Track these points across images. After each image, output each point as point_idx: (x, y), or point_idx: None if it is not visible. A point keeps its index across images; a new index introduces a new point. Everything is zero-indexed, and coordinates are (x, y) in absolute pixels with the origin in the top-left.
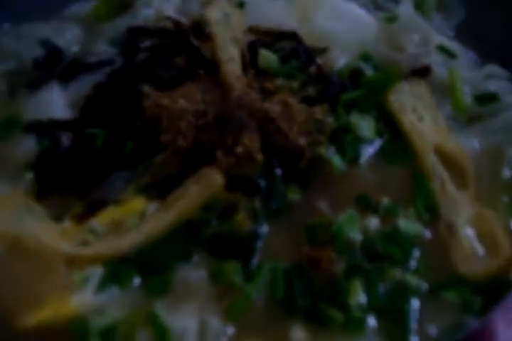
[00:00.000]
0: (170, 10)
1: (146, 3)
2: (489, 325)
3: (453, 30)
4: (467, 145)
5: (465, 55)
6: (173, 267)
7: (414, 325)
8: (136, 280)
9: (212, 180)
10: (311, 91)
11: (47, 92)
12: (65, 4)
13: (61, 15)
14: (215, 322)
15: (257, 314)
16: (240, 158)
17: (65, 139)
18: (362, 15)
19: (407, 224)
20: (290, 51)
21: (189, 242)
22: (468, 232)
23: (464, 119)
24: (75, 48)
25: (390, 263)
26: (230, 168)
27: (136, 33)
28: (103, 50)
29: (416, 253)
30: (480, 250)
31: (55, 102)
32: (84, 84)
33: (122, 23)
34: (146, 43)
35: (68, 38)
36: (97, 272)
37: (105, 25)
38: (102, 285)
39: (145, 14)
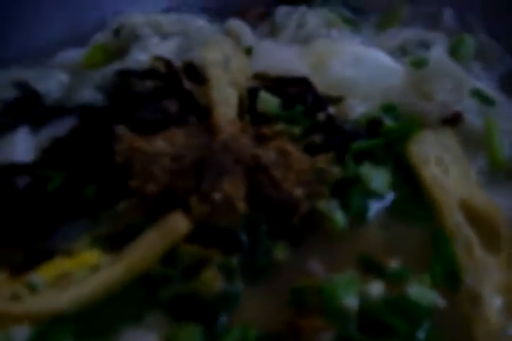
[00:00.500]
0: (167, 53)
1: (141, 48)
2: None
3: (496, 82)
4: (503, 202)
5: (506, 104)
6: (118, 329)
7: None
8: None
9: (176, 226)
10: (315, 138)
11: (12, 137)
12: (54, 51)
13: (49, 62)
14: None
15: None
16: (217, 205)
17: (21, 183)
18: (386, 62)
19: (419, 291)
20: (297, 95)
21: (143, 301)
22: (495, 303)
23: (501, 174)
24: (57, 94)
25: (392, 336)
26: (205, 216)
27: (125, 75)
28: (88, 95)
29: (425, 325)
30: (510, 326)
31: (20, 145)
32: (58, 128)
33: (112, 70)
34: (138, 88)
35: (51, 83)
36: (21, 333)
37: (94, 72)
38: None
39: (139, 59)
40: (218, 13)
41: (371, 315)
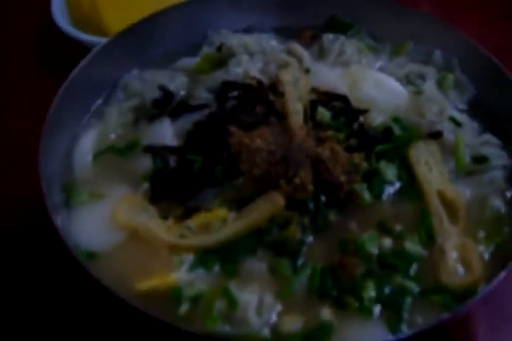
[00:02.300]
0: (254, 69)
1: (237, 63)
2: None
3: (465, 104)
4: (462, 193)
5: (470, 125)
6: (242, 259)
7: (406, 316)
8: (217, 266)
9: (277, 200)
10: (352, 142)
11: (160, 124)
12: (177, 58)
13: (173, 66)
14: (269, 300)
15: (298, 298)
16: (296, 186)
17: (172, 161)
18: (397, 87)
19: (412, 246)
20: (340, 110)
21: (256, 243)
22: (453, 256)
23: (463, 174)
24: (182, 93)
25: (396, 271)
26: (289, 193)
27: (228, 86)
28: (202, 95)
29: (415, 266)
30: (460, 269)
31: (166, 132)
32: (187, 121)
33: (218, 76)
34: (234, 93)
35: (177, 84)
36: (189, 257)
37: (204, 77)
38: (193, 267)
39: (235, 71)
40: (282, 32)
41: (384, 258)
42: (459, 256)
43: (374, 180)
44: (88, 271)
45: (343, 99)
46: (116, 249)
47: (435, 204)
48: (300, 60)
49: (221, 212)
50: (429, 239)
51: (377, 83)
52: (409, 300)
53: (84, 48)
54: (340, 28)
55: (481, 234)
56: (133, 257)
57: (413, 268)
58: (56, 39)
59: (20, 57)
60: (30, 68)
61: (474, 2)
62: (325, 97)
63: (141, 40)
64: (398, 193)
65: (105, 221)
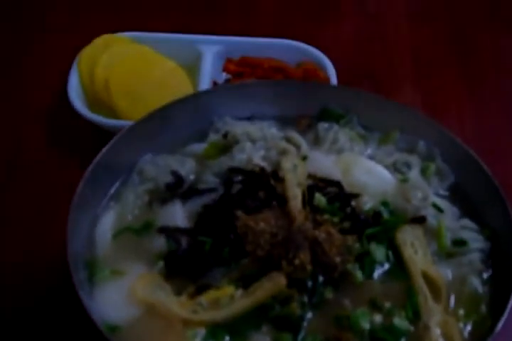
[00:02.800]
0: (257, 156)
1: (240, 149)
2: None
3: (445, 190)
4: (443, 273)
5: (450, 210)
6: (249, 333)
7: None
8: (227, 339)
9: (279, 280)
10: (345, 225)
11: (172, 206)
12: (186, 143)
13: (183, 151)
14: None
15: None
16: (297, 267)
17: (184, 241)
18: (386, 174)
19: (400, 322)
20: (335, 195)
21: (260, 318)
22: (437, 332)
23: (444, 255)
24: (191, 177)
25: None
26: (290, 273)
27: (234, 171)
28: (210, 179)
29: (402, 340)
30: None
31: (178, 214)
32: (197, 203)
33: (223, 162)
34: (239, 178)
35: (187, 168)
36: (201, 331)
37: (211, 162)
38: (205, 340)
39: (239, 157)
40: (281, 120)
41: (375, 333)
42: (442, 332)
43: (365, 260)
44: None
45: (338, 184)
46: (135, 323)
47: (420, 283)
48: (298, 147)
49: (229, 289)
50: (415, 315)
51: (367, 170)
52: None
53: (98, 129)
54: (332, 117)
55: (461, 311)
56: (150, 330)
57: None
58: (70, 120)
59: (34, 135)
60: (44, 145)
61: (453, 90)
62: (321, 183)
63: (156, 127)
64: (387, 273)
65: (125, 296)
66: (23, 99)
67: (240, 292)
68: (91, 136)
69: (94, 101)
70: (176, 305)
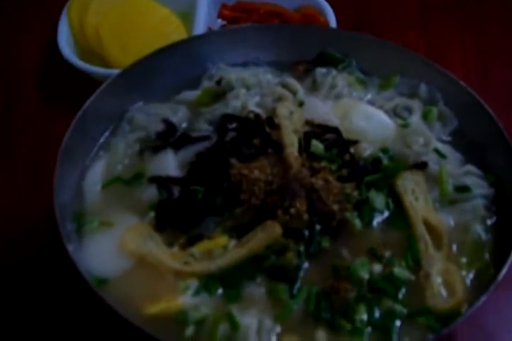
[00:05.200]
0: (252, 103)
1: (235, 96)
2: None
3: (448, 136)
4: (445, 220)
5: (453, 156)
6: (242, 284)
7: (395, 338)
8: (219, 291)
9: (274, 229)
10: (344, 172)
11: (164, 155)
12: (178, 91)
13: (175, 99)
14: (268, 323)
15: (295, 320)
16: (292, 216)
17: (176, 191)
18: (385, 119)
19: (400, 271)
20: (332, 142)
21: (254, 269)
22: (438, 280)
23: (446, 202)
24: (184, 125)
25: (385, 295)
26: (285, 222)
27: (228, 118)
28: (203, 127)
29: (403, 290)
30: (443, 292)
31: (169, 163)
32: (189, 152)
33: (217, 109)
34: (233, 125)
35: (180, 116)
36: (194, 283)
37: (205, 109)
38: (197, 292)
39: (234, 104)
40: (276, 66)
41: (375, 283)
42: (443, 280)
43: (364, 208)
44: (100, 295)
45: (335, 131)
46: (125, 275)
47: (421, 231)
48: (294, 93)
49: (222, 239)
50: (416, 264)
51: (366, 115)
52: (397, 322)
53: (89, 79)
54: (330, 61)
55: (464, 259)
56: (141, 283)
57: (401, 292)
58: (61, 69)
59: (26, 87)
60: (35, 98)
61: (458, 36)
62: (318, 130)
63: (145, 74)
64: (387, 221)
65: (114, 248)
66: (13, 51)
67: (233, 242)
68: (82, 86)
69: (85, 51)
70: (167, 256)
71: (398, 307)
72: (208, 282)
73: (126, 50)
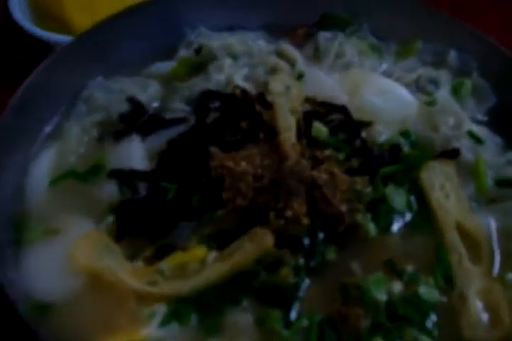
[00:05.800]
0: (239, 76)
1: (218, 69)
2: None
3: (484, 115)
4: (484, 223)
5: (492, 140)
6: (224, 310)
7: None
8: (194, 319)
9: (265, 238)
10: (354, 163)
11: (128, 143)
12: (149, 62)
13: (145, 72)
14: None
15: None
16: (288, 220)
17: (142, 189)
18: (405, 95)
19: (427, 291)
20: (339, 124)
21: (240, 289)
22: (477, 303)
23: (484, 200)
24: (155, 104)
25: (408, 324)
26: (280, 228)
27: (209, 96)
28: (179, 107)
29: (431, 317)
30: (485, 319)
31: (135, 153)
32: (160, 138)
33: (196, 84)
34: (216, 104)
35: (150, 93)
36: (161, 309)
37: (181, 85)
38: (165, 321)
39: (216, 78)
40: (271, 30)
41: (394, 307)
42: (484, 303)
43: (380, 209)
44: (34, 330)
45: (343, 110)
46: (74, 299)
47: (453, 238)
48: (292, 64)
49: (199, 251)
50: (447, 282)
51: (381, 90)
52: None
53: (47, 48)
54: (335, 24)
55: (510, 275)
56: (94, 309)
57: (429, 320)
58: (14, 36)
59: None
60: None
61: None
62: (321, 108)
63: (108, 41)
64: (409, 225)
65: (62, 263)
66: None
67: (213, 254)
68: (38, 56)
69: (43, 14)
70: (128, 273)
71: (426, 340)
72: (179, 308)
73: (90, 12)
